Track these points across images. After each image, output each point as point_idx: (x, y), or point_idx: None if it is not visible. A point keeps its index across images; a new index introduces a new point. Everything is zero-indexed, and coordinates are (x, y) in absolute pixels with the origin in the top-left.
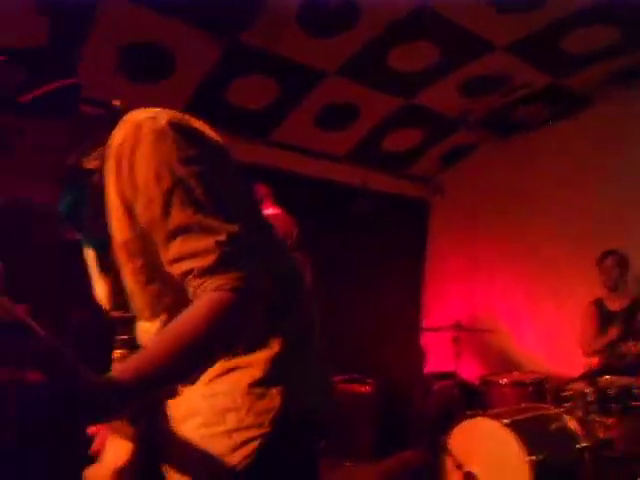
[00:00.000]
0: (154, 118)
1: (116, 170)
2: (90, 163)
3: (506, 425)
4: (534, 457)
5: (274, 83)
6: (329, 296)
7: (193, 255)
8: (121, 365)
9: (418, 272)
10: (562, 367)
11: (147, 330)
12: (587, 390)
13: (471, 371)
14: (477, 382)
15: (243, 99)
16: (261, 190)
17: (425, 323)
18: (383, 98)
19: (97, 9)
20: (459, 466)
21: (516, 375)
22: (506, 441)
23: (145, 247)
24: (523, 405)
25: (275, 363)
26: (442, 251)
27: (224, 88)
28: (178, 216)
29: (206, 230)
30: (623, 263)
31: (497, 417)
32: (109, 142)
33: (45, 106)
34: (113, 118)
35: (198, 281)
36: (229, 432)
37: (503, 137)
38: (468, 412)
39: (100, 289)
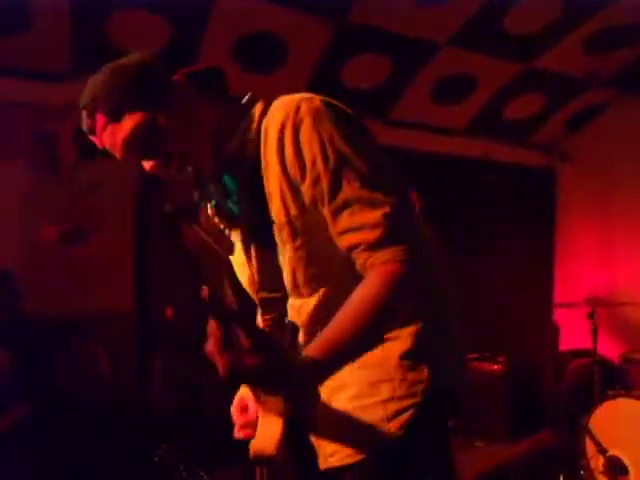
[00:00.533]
0: (310, 99)
1: (278, 152)
2: (245, 151)
3: None
4: None
5: (387, 60)
6: (454, 271)
7: (361, 228)
8: (314, 345)
9: (548, 244)
10: None
11: (299, 307)
12: None
13: (610, 348)
14: (617, 360)
15: (358, 80)
16: None
17: (558, 298)
18: (500, 65)
19: (211, 6)
20: (603, 450)
21: None
22: None
23: (307, 225)
24: None
25: (421, 335)
26: (572, 221)
27: (339, 70)
28: (345, 190)
29: (372, 203)
30: None
31: None
32: (258, 129)
33: (204, 84)
34: (249, 109)
35: (367, 254)
36: (384, 402)
37: (639, 93)
38: (609, 392)
39: (245, 274)
